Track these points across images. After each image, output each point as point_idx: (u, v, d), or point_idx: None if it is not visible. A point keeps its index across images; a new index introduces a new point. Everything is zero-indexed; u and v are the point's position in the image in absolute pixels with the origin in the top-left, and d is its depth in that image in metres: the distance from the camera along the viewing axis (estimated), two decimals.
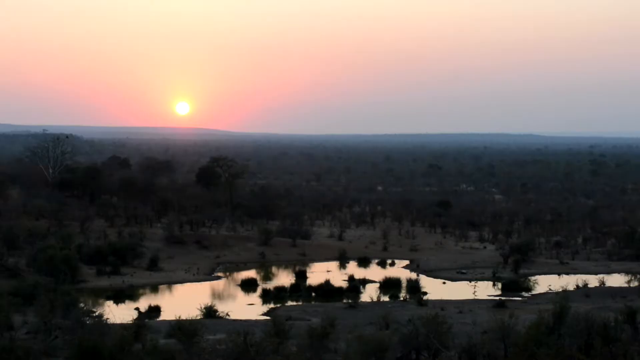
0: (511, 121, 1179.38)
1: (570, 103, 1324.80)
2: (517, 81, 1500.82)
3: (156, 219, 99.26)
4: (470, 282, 72.84)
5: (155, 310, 56.79)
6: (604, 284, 69.68)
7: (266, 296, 64.25)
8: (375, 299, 60.70)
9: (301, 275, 73.43)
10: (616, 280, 74.83)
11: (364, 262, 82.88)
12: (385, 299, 63.21)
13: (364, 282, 70.78)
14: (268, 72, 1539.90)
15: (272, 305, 60.68)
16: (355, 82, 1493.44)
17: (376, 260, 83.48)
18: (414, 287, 66.95)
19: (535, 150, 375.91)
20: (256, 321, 49.97)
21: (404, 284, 69.60)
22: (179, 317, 42.16)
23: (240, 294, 67.51)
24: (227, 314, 53.85)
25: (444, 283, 73.61)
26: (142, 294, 65.85)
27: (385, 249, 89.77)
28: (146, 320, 45.70)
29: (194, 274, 73.04)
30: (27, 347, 35.14)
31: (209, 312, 52.84)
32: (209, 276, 73.61)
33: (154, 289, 68.30)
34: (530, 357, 31.24)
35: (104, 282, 67.98)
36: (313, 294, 65.25)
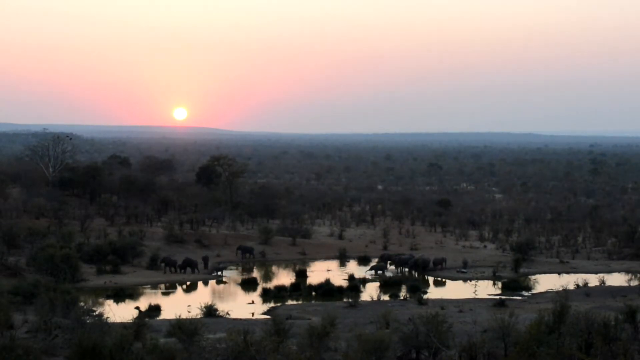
0: (511, 120, 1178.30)
1: (570, 102, 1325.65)
2: (518, 80, 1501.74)
3: (156, 218, 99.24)
4: (470, 281, 72.87)
5: (155, 309, 56.75)
6: (604, 283, 69.66)
7: (266, 295, 64.24)
8: (375, 298, 60.67)
9: (301, 274, 73.43)
10: (616, 279, 74.81)
11: (364, 261, 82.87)
12: (386, 298, 63.19)
13: (364, 281, 70.76)
14: (268, 71, 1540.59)
15: (272, 304, 60.68)
16: (356, 81, 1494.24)
17: (376, 259, 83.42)
18: (414, 287, 66.95)
19: (536, 149, 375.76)
20: (256, 320, 49.98)
21: (404, 283, 69.61)
22: (179, 316, 42.13)
23: (240, 292, 67.50)
24: (227, 313, 53.85)
25: (444, 282, 73.64)
26: (141, 293, 65.80)
27: (385, 247, 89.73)
28: (146, 319, 45.63)
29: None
30: (27, 346, 35.11)
31: (209, 311, 52.82)
32: (209, 275, 73.61)
33: (154, 287, 68.24)
34: (531, 356, 31.22)
35: (98, 281, 67.82)
36: (313, 293, 65.20)
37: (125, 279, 68.85)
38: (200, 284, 70.80)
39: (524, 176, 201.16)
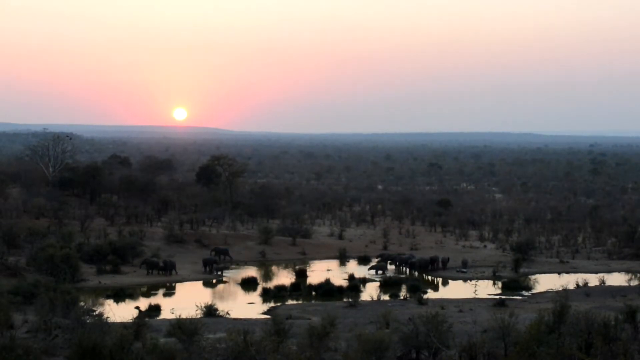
0: (511, 120, 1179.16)
1: (570, 102, 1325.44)
2: (518, 80, 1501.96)
3: (156, 218, 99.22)
4: (470, 280, 72.86)
5: (155, 309, 56.71)
6: (604, 283, 69.64)
7: (266, 295, 64.22)
8: (375, 298, 60.69)
9: (301, 274, 73.40)
10: (616, 279, 74.80)
11: (364, 261, 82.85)
12: (386, 298, 63.19)
13: (364, 281, 70.75)
14: (268, 71, 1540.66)
15: (272, 304, 60.68)
16: (356, 80, 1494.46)
17: (376, 259, 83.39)
18: (414, 286, 66.95)
19: (536, 149, 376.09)
20: (256, 320, 49.98)
21: (404, 283, 69.64)
22: (179, 315, 42.12)
23: (240, 292, 67.48)
24: (227, 313, 53.84)
25: (448, 282, 73.65)
26: (141, 293, 65.76)
27: (385, 247, 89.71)
28: (146, 319, 45.62)
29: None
30: (27, 346, 35.12)
31: (209, 311, 52.80)
32: (209, 275, 73.57)
33: (154, 287, 68.15)
34: (531, 356, 31.22)
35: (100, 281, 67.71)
36: (313, 293, 65.18)
37: (125, 279, 68.79)
38: (200, 283, 70.79)
39: (524, 176, 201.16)
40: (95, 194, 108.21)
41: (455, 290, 68.84)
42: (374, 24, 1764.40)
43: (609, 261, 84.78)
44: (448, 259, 79.49)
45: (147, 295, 64.96)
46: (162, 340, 36.91)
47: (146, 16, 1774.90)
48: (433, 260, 78.17)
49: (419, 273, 76.40)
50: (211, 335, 38.20)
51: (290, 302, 62.35)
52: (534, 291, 68.42)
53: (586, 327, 33.81)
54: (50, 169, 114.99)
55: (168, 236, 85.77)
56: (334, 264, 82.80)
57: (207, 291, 67.92)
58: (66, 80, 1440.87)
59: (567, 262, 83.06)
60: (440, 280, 74.54)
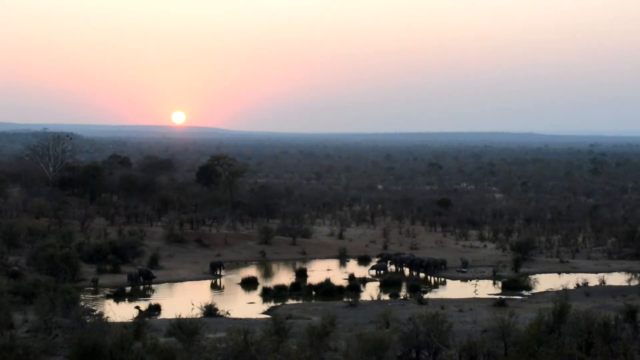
0: (511, 120, 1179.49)
1: (571, 102, 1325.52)
2: (518, 80, 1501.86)
3: (156, 218, 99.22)
4: (470, 280, 72.84)
5: (155, 309, 56.69)
6: (604, 283, 69.60)
7: (266, 295, 64.21)
8: (375, 298, 60.71)
9: (301, 274, 73.38)
10: (616, 279, 74.78)
11: (364, 261, 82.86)
12: (386, 297, 63.18)
13: (364, 280, 70.76)
14: (269, 71, 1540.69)
15: (272, 304, 60.67)
16: (356, 80, 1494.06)
17: (376, 259, 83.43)
18: (414, 286, 66.95)
19: (536, 149, 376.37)
20: (256, 320, 49.99)
21: (404, 283, 69.65)
22: (179, 315, 42.09)
23: (240, 292, 67.47)
24: (228, 313, 53.82)
25: (444, 282, 73.65)
26: (142, 293, 65.73)
27: (385, 247, 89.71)
28: (146, 318, 45.60)
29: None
30: (27, 345, 35.13)
31: (209, 311, 52.78)
32: (209, 274, 73.55)
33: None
34: (531, 356, 31.24)
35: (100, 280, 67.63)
36: (313, 293, 65.16)
37: (125, 278, 68.73)
38: (200, 283, 70.77)
39: (524, 176, 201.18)
40: (95, 194, 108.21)
41: (455, 290, 68.81)
42: (374, 24, 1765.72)
43: (609, 261, 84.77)
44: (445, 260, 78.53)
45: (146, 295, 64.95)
46: (162, 339, 36.90)
47: (145, 15, 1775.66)
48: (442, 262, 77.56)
49: (426, 273, 75.88)
50: (211, 335, 38.19)
51: (290, 301, 62.33)
52: (534, 291, 68.41)
53: (586, 327, 33.83)
54: (51, 169, 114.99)
55: (168, 236, 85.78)
56: (334, 263, 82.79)
57: (208, 291, 67.79)
58: (66, 80, 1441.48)
59: (567, 261, 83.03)
60: (440, 280, 74.51)
